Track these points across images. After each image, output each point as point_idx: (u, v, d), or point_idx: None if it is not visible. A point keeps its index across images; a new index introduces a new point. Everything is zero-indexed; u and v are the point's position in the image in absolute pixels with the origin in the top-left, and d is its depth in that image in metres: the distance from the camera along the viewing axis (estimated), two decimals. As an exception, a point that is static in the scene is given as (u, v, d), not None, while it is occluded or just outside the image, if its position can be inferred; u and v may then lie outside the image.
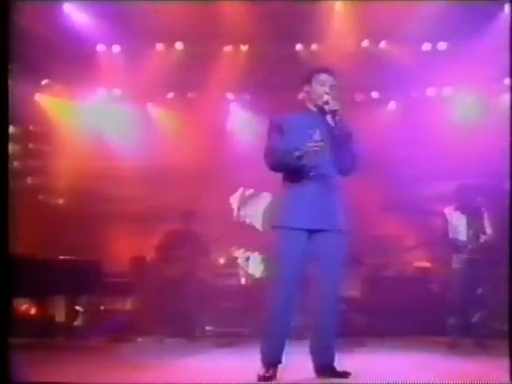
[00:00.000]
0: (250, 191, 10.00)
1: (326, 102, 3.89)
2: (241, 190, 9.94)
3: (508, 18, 7.55)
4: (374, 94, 9.14)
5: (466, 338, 5.93)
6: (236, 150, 9.37)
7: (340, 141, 3.88)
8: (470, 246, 6.13)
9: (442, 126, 8.66)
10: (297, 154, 3.74)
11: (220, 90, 9.13)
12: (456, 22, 7.64)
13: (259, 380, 3.74)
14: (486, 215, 6.22)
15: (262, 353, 3.86)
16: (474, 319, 5.99)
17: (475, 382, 3.42)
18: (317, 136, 3.80)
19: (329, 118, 3.93)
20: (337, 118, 3.85)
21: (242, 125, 9.49)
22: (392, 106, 9.21)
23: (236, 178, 9.43)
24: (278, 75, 8.72)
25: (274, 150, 3.91)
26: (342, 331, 3.89)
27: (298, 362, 4.03)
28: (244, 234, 9.29)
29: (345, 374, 3.79)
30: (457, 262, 6.17)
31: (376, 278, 7.95)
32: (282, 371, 3.90)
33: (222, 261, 8.52)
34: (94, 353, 5.82)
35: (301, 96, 4.18)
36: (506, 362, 3.24)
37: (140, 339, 6.64)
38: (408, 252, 8.63)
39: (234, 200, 9.96)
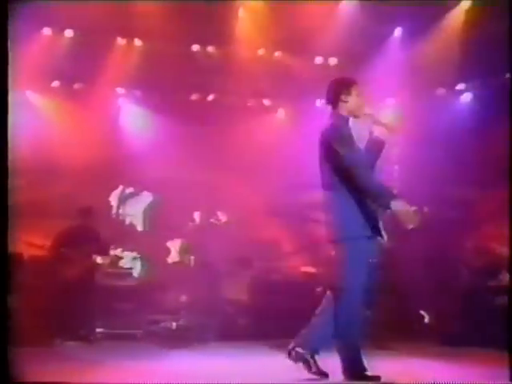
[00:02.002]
0: (131, 190, 9.77)
1: (370, 115, 4.13)
2: (120, 187, 9.68)
3: (396, 42, 8.19)
4: (266, 101, 9.36)
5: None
6: (121, 146, 9.10)
7: (381, 149, 4.13)
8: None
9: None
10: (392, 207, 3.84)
11: (110, 83, 8.82)
12: (349, 40, 8.07)
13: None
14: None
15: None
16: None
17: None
18: None
19: (375, 128, 4.16)
20: (390, 129, 4.09)
21: (131, 120, 9.23)
22: (281, 114, 9.48)
23: (120, 174, 9.19)
24: (172, 73, 8.64)
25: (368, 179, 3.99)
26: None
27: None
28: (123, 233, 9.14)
29: (375, 378, 3.94)
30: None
31: (263, 281, 8.10)
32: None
33: (105, 260, 8.21)
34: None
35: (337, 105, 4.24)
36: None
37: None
38: (290, 256, 8.95)
39: (114, 198, 9.67)
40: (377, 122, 4.14)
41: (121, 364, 4.95)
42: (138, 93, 9.10)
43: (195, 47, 8.62)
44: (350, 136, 4.07)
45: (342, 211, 4.10)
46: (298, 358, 4.12)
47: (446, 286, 7.34)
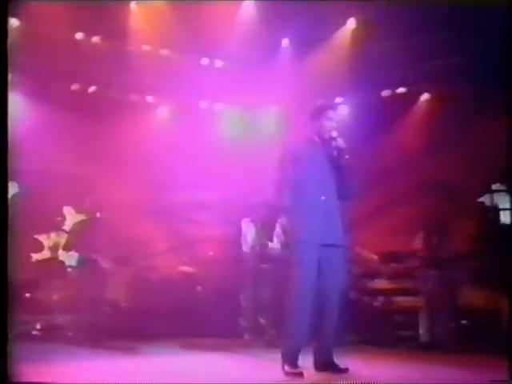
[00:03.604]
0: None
1: (335, 139, 4.41)
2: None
3: (284, 52, 8.49)
4: (149, 98, 9.21)
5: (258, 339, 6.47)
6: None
7: (343, 172, 4.42)
8: (258, 256, 6.70)
9: (210, 138, 9.15)
10: None
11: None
12: (238, 44, 8.20)
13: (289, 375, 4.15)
14: (277, 228, 6.82)
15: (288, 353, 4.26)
16: (262, 321, 6.57)
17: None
18: None
19: (335, 152, 4.42)
20: (345, 156, 4.39)
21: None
22: (163, 111, 9.39)
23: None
24: (51, 60, 8.16)
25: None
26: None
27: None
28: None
29: (344, 370, 4.24)
30: (248, 269, 6.68)
31: (141, 280, 8.00)
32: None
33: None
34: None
35: (308, 129, 4.59)
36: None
37: None
38: (166, 255, 8.90)
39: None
40: (336, 146, 4.45)
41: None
42: (11, 77, 8.46)
43: (79, 35, 8.27)
44: (291, 156, 4.50)
45: (296, 217, 4.48)
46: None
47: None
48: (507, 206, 7.70)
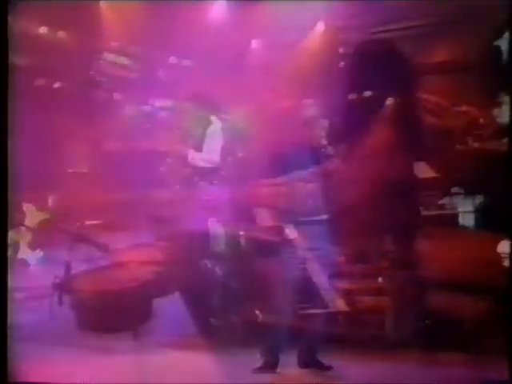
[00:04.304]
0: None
1: (324, 146, 4.69)
2: None
3: (257, 53, 8.55)
4: (116, 95, 9.14)
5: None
6: None
7: (331, 177, 4.68)
8: (227, 254, 6.71)
9: (177, 136, 9.11)
10: None
11: None
12: (208, 44, 8.24)
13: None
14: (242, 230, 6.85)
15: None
16: (234, 320, 6.59)
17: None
18: None
19: (323, 158, 4.72)
20: (335, 161, 4.69)
21: None
22: (130, 109, 9.31)
23: None
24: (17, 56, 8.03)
25: None
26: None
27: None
28: None
29: (328, 367, 4.47)
30: (218, 268, 6.69)
31: (108, 279, 7.88)
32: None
33: None
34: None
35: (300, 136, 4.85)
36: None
37: None
38: (131, 253, 8.80)
39: None
40: (325, 153, 4.77)
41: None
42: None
43: (43, 29, 8.15)
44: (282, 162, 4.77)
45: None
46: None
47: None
48: (466, 209, 7.97)
